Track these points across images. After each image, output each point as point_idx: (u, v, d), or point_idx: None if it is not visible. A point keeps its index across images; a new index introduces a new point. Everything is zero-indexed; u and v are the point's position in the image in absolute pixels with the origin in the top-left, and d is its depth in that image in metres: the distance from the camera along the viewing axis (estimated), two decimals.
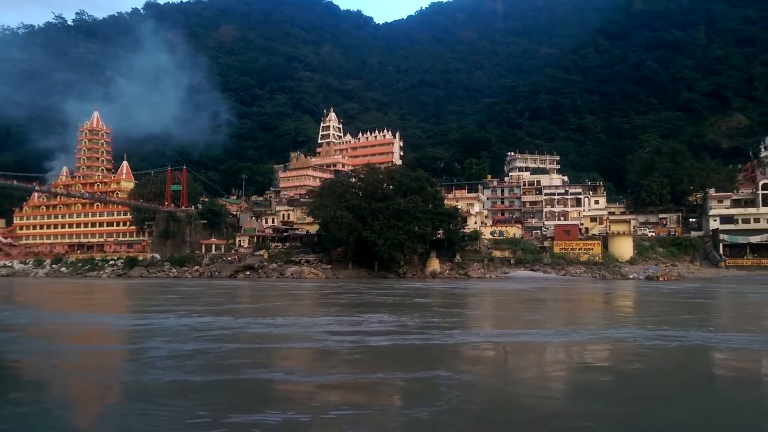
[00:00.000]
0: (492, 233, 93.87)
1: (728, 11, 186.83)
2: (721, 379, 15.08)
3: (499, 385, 13.85)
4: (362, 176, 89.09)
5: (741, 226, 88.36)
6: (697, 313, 33.32)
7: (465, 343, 20.38)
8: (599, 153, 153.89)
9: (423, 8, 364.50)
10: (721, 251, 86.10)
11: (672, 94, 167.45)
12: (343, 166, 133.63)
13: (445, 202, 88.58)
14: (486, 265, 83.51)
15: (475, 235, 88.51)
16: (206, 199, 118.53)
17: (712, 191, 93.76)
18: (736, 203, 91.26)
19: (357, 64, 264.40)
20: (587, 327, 25.37)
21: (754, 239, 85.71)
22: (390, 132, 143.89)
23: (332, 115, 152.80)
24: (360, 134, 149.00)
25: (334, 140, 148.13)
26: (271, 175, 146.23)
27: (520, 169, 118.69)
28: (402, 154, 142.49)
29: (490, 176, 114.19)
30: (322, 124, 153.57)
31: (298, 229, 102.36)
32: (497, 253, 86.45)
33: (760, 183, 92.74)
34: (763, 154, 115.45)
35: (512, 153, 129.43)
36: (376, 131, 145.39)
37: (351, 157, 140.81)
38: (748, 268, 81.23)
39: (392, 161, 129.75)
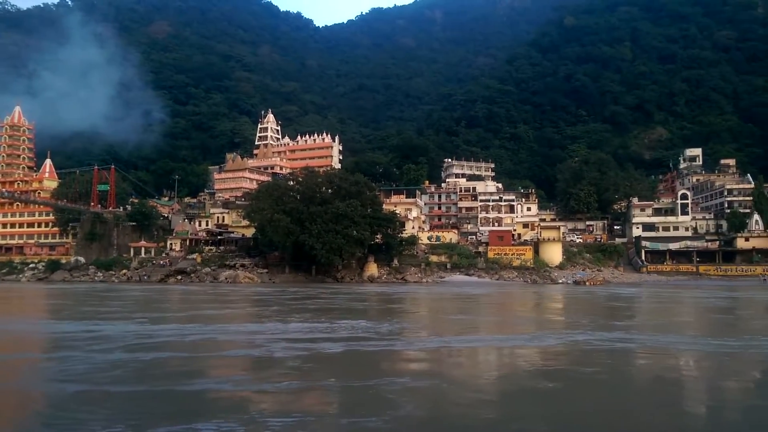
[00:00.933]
0: (429, 238, 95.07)
1: (652, 29, 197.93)
2: (637, 374, 15.74)
3: (445, 390, 13.81)
4: (301, 179, 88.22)
5: (661, 233, 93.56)
6: (620, 315, 34.84)
7: (407, 349, 20.40)
8: (532, 161, 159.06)
9: (363, 13, 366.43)
10: (643, 257, 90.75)
11: (600, 107, 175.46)
12: (281, 168, 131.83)
13: (384, 206, 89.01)
14: (423, 270, 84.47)
15: (413, 240, 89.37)
16: (136, 200, 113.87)
17: (635, 200, 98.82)
18: (657, 212, 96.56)
19: (296, 66, 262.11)
20: (526, 332, 25.96)
21: (673, 246, 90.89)
22: (329, 135, 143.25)
23: (270, 116, 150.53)
24: (299, 137, 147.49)
25: (272, 142, 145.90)
26: (206, 177, 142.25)
27: (457, 176, 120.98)
28: (341, 158, 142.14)
29: (427, 182, 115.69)
30: (259, 126, 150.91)
31: (233, 233, 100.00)
32: (434, 258, 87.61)
33: (679, 193, 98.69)
34: (682, 165, 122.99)
35: (449, 159, 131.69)
36: (315, 134, 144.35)
37: (289, 159, 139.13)
38: (667, 274, 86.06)
39: (331, 165, 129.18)
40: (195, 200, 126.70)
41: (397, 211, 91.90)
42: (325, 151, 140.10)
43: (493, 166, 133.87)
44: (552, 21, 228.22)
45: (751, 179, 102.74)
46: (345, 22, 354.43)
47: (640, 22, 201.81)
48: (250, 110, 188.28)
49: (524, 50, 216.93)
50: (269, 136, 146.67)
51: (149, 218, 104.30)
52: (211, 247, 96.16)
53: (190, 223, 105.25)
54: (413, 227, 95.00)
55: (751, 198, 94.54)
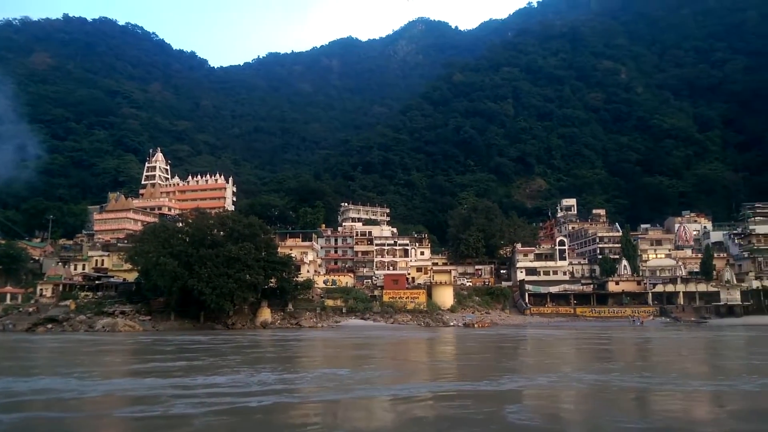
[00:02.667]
0: (325, 282, 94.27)
1: (531, 89, 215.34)
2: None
3: None
4: (190, 221, 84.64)
5: (543, 277, 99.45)
6: (510, 358, 36.22)
7: (285, 402, 19.78)
8: (425, 207, 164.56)
9: (261, 57, 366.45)
10: (527, 300, 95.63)
11: (486, 158, 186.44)
12: (170, 209, 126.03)
13: (279, 250, 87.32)
14: (318, 314, 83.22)
15: (309, 284, 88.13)
16: (2, 242, 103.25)
17: (519, 246, 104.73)
18: (538, 257, 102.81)
19: (189, 105, 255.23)
20: (422, 381, 26.13)
21: (553, 289, 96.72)
22: (222, 177, 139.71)
23: (159, 155, 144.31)
24: (190, 177, 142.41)
25: (160, 182, 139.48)
26: (85, 217, 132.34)
27: (353, 220, 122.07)
28: (235, 199, 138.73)
29: (324, 225, 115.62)
30: (147, 164, 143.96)
31: (113, 277, 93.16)
32: (330, 302, 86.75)
33: (557, 240, 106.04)
34: (559, 214, 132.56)
35: (346, 204, 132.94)
36: (208, 175, 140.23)
37: (179, 200, 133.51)
38: (548, 315, 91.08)
39: (224, 207, 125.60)
40: (71, 242, 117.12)
41: (293, 255, 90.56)
42: (218, 192, 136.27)
43: (388, 211, 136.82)
44: (442, 76, 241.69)
45: (619, 228, 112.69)
46: (241, 64, 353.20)
47: (521, 81, 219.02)
48: (138, 148, 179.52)
49: (417, 102, 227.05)
50: (157, 175, 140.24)
51: (17, 261, 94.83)
52: (88, 293, 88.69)
53: (64, 267, 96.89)
54: (308, 271, 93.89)
55: (619, 245, 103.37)
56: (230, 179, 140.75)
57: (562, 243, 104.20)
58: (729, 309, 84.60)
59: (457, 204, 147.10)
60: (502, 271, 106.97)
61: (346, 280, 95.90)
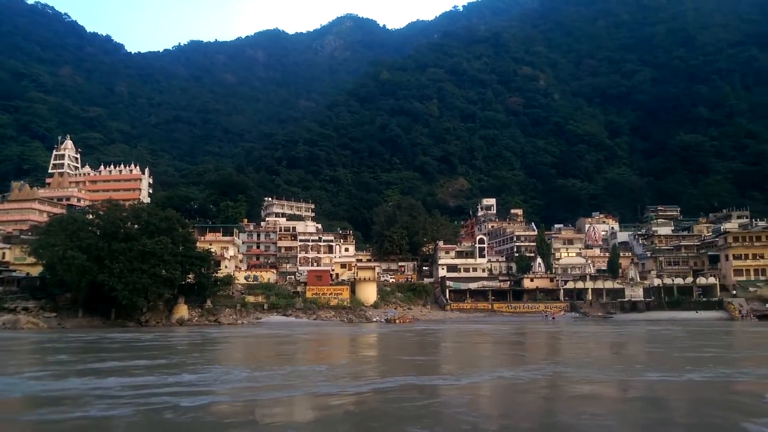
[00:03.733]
0: (246, 278, 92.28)
1: (456, 91, 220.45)
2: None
3: None
4: (102, 213, 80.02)
5: (463, 274, 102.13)
6: (431, 354, 36.89)
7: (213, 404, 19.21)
8: (350, 204, 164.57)
9: (182, 44, 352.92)
10: (448, 296, 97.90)
11: (411, 156, 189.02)
12: (79, 200, 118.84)
13: (198, 244, 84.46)
14: (239, 311, 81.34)
15: (229, 280, 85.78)
16: None
17: (441, 243, 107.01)
18: (459, 254, 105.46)
19: (103, 91, 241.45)
20: (342, 378, 26.08)
21: (473, 286, 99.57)
22: (138, 167, 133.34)
23: (69, 142, 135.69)
24: (102, 167, 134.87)
25: (69, 171, 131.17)
26: None
27: (277, 215, 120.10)
28: (151, 191, 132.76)
29: (246, 220, 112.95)
30: (55, 152, 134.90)
31: (15, 271, 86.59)
32: (251, 299, 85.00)
33: (477, 238, 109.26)
34: (480, 213, 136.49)
35: (269, 198, 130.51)
36: (122, 165, 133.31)
37: (90, 191, 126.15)
38: (467, 311, 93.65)
39: (139, 199, 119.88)
40: None
41: (213, 250, 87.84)
42: (133, 183, 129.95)
43: (313, 206, 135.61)
44: (369, 74, 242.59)
45: (534, 227, 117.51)
46: (161, 51, 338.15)
47: (446, 83, 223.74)
48: (45, 135, 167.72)
49: (344, 98, 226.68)
50: (66, 164, 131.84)
51: None
52: None
53: None
54: (226, 267, 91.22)
55: (535, 243, 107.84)
56: (146, 170, 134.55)
57: (482, 241, 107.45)
58: (633, 305, 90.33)
59: (382, 201, 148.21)
60: (424, 268, 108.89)
61: (269, 276, 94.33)
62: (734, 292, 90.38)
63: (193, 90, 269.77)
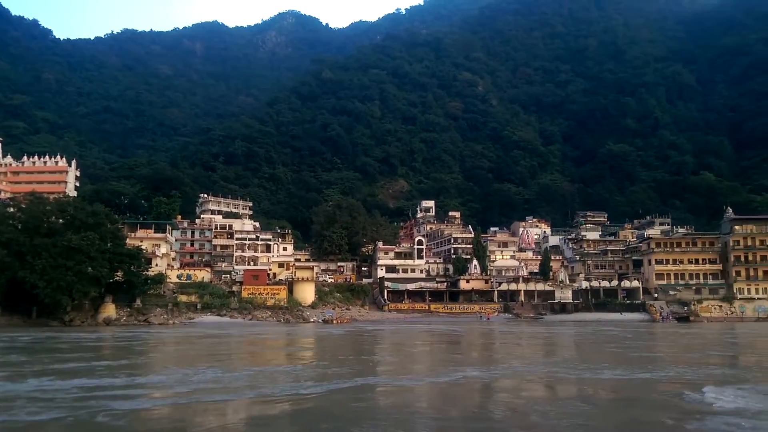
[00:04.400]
0: (179, 276, 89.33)
1: (397, 93, 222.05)
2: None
3: None
4: (24, 206, 75.47)
5: (401, 275, 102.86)
6: (367, 354, 36.89)
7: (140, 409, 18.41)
8: (289, 203, 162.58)
9: (115, 32, 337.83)
10: (386, 296, 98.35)
11: (352, 157, 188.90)
12: (0, 192, 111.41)
13: (128, 241, 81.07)
14: (170, 311, 78.64)
15: (160, 279, 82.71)
16: None
17: (380, 244, 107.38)
18: (398, 255, 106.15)
19: (28, 78, 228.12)
20: (279, 381, 25.63)
21: (411, 286, 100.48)
22: (64, 159, 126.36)
23: None
24: (25, 157, 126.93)
25: None
26: None
27: (213, 212, 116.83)
28: (78, 185, 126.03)
29: (180, 217, 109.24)
30: None
31: None
32: (183, 298, 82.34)
33: (416, 239, 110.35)
34: (419, 215, 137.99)
35: (205, 195, 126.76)
36: (47, 156, 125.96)
37: (11, 183, 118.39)
38: (405, 311, 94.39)
39: (65, 192, 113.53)
40: None
41: (144, 247, 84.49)
42: (59, 176, 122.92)
43: (251, 204, 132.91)
44: (311, 72, 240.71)
45: (471, 230, 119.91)
46: (92, 38, 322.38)
47: (388, 85, 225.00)
48: None
49: (285, 95, 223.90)
50: None
51: None
52: None
53: None
54: (157, 265, 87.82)
55: (471, 246, 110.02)
56: (73, 162, 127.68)
57: (420, 243, 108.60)
58: (562, 306, 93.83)
59: (322, 201, 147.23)
60: (363, 268, 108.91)
61: (203, 274, 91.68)
62: (656, 295, 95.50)
63: (126, 80, 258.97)
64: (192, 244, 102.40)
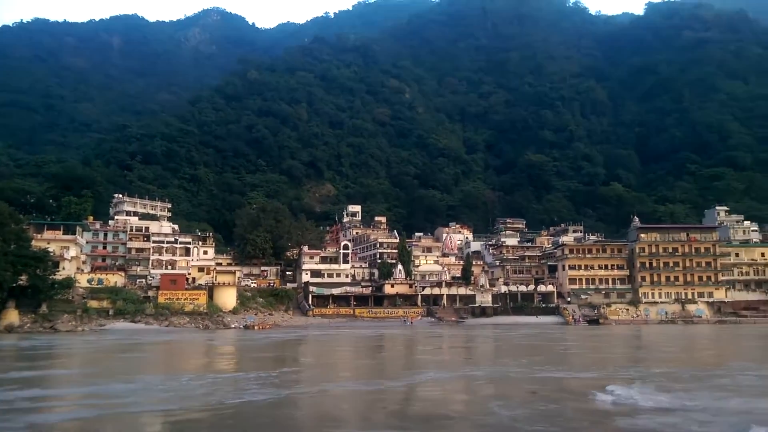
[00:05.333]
0: (90, 281, 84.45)
1: (325, 96, 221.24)
2: None
3: None
4: None
5: (327, 279, 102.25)
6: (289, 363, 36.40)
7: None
8: (211, 205, 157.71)
9: (24, 21, 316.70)
10: (310, 301, 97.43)
11: (278, 159, 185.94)
12: None
13: (34, 243, 75.92)
14: (79, 317, 74.16)
15: (68, 283, 77.84)
16: None
17: (305, 248, 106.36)
18: (323, 260, 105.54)
19: None
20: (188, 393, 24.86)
21: (336, 291, 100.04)
22: None
23: None
24: None
25: None
26: None
27: (128, 213, 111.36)
28: None
29: (92, 218, 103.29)
30: None
31: None
32: (94, 304, 77.92)
33: (342, 244, 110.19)
34: (345, 219, 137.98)
35: (120, 195, 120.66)
36: None
37: None
38: (330, 317, 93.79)
39: None
40: None
41: (51, 249, 79.31)
42: None
43: (169, 206, 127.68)
44: (237, 72, 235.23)
45: (397, 235, 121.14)
46: None
47: (315, 88, 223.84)
48: None
49: (208, 94, 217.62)
50: None
51: None
52: None
53: None
54: (64, 268, 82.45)
55: (396, 251, 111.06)
56: None
57: (346, 247, 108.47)
58: (482, 310, 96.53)
59: (245, 203, 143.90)
60: (288, 273, 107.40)
61: (116, 279, 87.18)
62: (569, 299, 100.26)
63: (37, 72, 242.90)
64: (104, 247, 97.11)
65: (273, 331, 71.85)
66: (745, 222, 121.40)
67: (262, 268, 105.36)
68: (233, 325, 79.02)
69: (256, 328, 75.73)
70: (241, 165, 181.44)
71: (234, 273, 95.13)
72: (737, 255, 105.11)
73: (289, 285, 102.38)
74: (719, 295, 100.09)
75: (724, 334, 66.29)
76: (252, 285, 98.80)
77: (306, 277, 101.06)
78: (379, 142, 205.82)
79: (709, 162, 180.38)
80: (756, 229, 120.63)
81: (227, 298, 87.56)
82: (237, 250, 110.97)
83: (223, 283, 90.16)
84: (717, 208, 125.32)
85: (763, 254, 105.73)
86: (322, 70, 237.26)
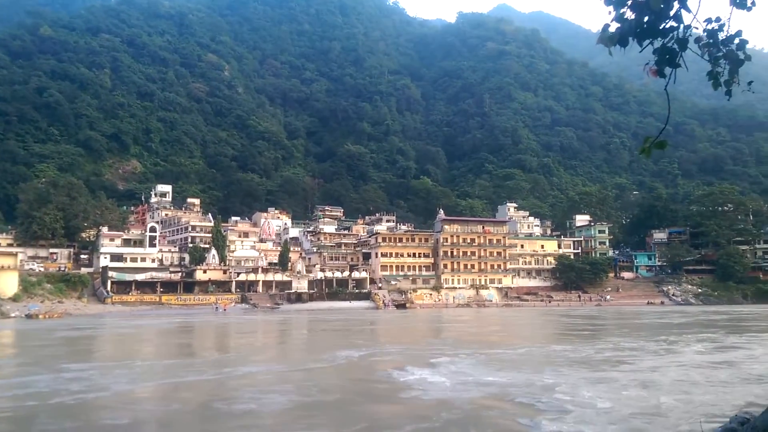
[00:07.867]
0: None
1: (133, 64, 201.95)
2: None
3: None
4: None
5: (130, 264, 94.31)
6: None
7: None
8: None
9: None
10: (109, 288, 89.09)
11: (74, 129, 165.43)
12: None
13: None
14: None
15: None
16: None
17: (105, 229, 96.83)
18: (126, 242, 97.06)
19: None
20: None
21: (140, 277, 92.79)
22: None
23: None
24: None
25: None
26: None
27: None
28: None
29: None
30: None
31: None
32: None
33: (149, 225, 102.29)
34: (153, 199, 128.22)
35: None
36: None
37: None
38: (132, 304, 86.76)
39: None
40: None
41: None
42: None
43: None
44: (25, 25, 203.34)
45: (211, 218, 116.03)
46: None
47: (122, 54, 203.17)
48: None
49: None
50: None
51: None
52: None
53: None
54: None
55: (211, 235, 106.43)
56: None
57: (153, 229, 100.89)
58: (298, 296, 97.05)
59: (32, 176, 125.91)
60: (83, 256, 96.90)
61: None
62: (380, 285, 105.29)
63: None
64: None
65: (61, 320, 64.13)
66: (530, 218, 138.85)
67: (51, 250, 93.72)
68: (13, 314, 68.87)
69: (41, 317, 66.89)
70: (28, 132, 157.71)
71: (15, 255, 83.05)
72: (522, 246, 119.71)
73: (84, 270, 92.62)
74: (507, 282, 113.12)
75: (508, 316, 75.19)
76: (38, 269, 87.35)
77: (105, 261, 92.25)
78: (195, 119, 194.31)
79: (503, 163, 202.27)
80: (538, 224, 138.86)
81: (7, 284, 76.19)
82: (20, 229, 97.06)
83: (3, 267, 78.14)
84: (508, 204, 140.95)
85: (542, 246, 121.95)
86: (131, 35, 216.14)
